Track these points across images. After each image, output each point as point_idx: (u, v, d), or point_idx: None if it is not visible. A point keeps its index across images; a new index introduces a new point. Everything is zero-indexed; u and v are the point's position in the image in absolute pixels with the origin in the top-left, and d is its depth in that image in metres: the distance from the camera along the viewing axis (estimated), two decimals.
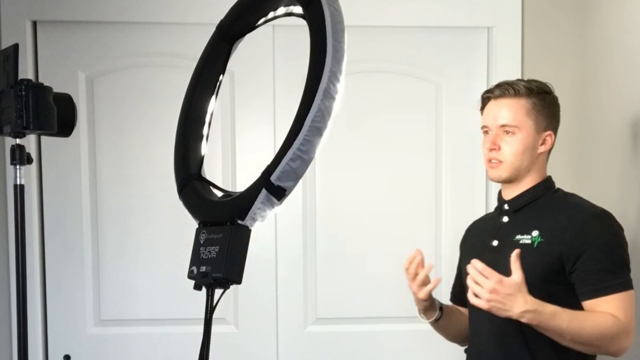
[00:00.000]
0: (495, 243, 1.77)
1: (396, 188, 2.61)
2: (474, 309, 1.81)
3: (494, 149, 1.75)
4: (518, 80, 1.79)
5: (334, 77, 1.21)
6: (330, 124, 1.22)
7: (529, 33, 2.55)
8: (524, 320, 1.55)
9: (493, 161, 1.76)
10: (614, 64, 2.29)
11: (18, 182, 1.81)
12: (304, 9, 1.30)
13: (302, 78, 1.24)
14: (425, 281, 1.79)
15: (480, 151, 2.58)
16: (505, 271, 1.65)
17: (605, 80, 2.34)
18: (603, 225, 1.66)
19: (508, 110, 1.74)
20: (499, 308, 1.54)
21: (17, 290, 1.82)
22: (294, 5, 1.36)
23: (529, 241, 1.69)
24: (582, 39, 2.53)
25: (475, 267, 1.56)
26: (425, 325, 2.59)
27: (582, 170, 2.43)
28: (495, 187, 2.55)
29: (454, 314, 1.94)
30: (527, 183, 1.77)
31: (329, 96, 1.20)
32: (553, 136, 1.77)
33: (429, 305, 1.84)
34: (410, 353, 2.63)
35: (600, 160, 2.37)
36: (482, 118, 1.82)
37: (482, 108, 1.83)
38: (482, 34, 2.59)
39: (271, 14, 1.44)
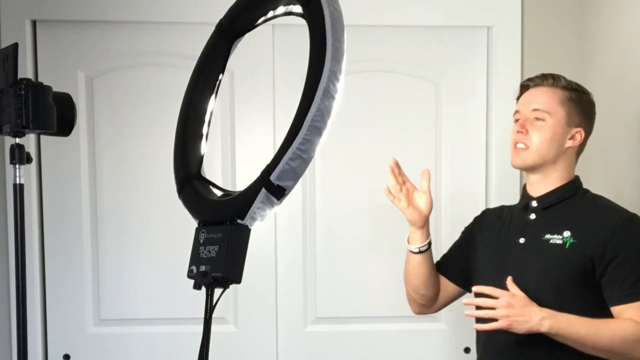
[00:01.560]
0: (522, 240, 1.74)
1: None
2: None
3: (522, 132, 1.72)
4: (560, 75, 1.78)
5: (334, 76, 1.21)
6: (329, 123, 1.22)
7: (529, 32, 2.55)
8: (543, 329, 1.55)
9: (519, 145, 1.73)
10: (614, 63, 2.29)
11: (17, 182, 1.81)
12: (303, 8, 1.30)
13: (302, 77, 1.24)
14: (411, 195, 1.88)
15: (480, 150, 2.61)
16: (532, 269, 1.67)
17: (606, 79, 2.34)
18: (635, 231, 1.64)
19: (542, 96, 1.73)
20: (519, 321, 1.55)
21: (17, 289, 1.82)
22: (294, 4, 1.36)
23: (560, 241, 1.66)
24: (582, 38, 2.53)
25: (482, 291, 1.60)
26: (425, 325, 2.61)
27: (583, 170, 2.42)
28: (495, 186, 2.56)
29: (432, 261, 1.95)
30: (554, 180, 1.75)
31: (329, 95, 1.20)
32: (583, 134, 1.75)
33: (421, 227, 1.89)
34: (410, 353, 2.63)
35: (601, 160, 2.37)
36: (516, 105, 1.81)
37: (519, 97, 1.81)
38: (482, 34, 2.59)
39: (271, 13, 1.44)
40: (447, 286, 1.97)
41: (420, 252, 1.91)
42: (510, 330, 1.57)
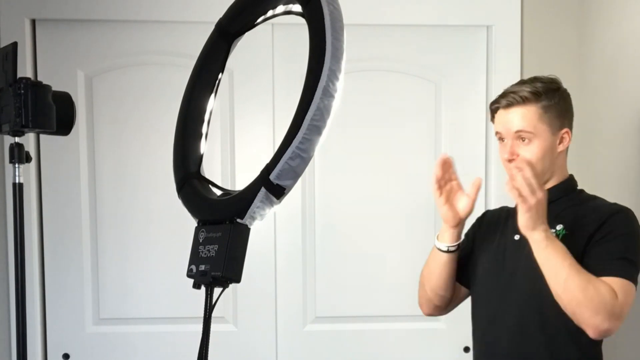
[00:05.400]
0: (517, 237, 1.74)
1: (395, 186, 2.60)
2: (485, 304, 1.81)
3: (513, 160, 1.71)
4: (521, 84, 1.73)
5: (333, 75, 1.21)
6: (329, 122, 1.22)
7: (528, 32, 2.55)
8: (537, 236, 1.57)
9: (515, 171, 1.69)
10: (613, 62, 2.29)
11: (17, 181, 1.81)
12: (303, 8, 1.30)
13: (302, 77, 1.24)
14: (453, 194, 1.81)
15: (479, 149, 2.61)
16: (528, 263, 1.65)
17: (605, 78, 2.34)
18: (624, 219, 1.66)
19: (520, 118, 1.69)
20: (534, 217, 1.56)
21: (16, 288, 1.82)
22: (293, 3, 1.36)
23: (553, 235, 1.66)
24: (582, 37, 2.53)
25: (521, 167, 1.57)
26: (424, 325, 2.61)
27: (582, 169, 2.42)
28: (494, 185, 2.56)
29: (456, 263, 1.88)
30: (550, 182, 1.75)
31: (328, 95, 1.20)
32: (570, 132, 1.74)
33: (454, 227, 1.81)
34: (410, 352, 2.63)
35: (600, 160, 2.37)
36: (494, 126, 1.78)
37: (492, 118, 1.79)
38: (482, 33, 2.59)
39: (270, 12, 1.44)
40: (459, 289, 1.94)
41: (448, 251, 1.84)
42: (520, 213, 1.57)
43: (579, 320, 1.58)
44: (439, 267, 1.87)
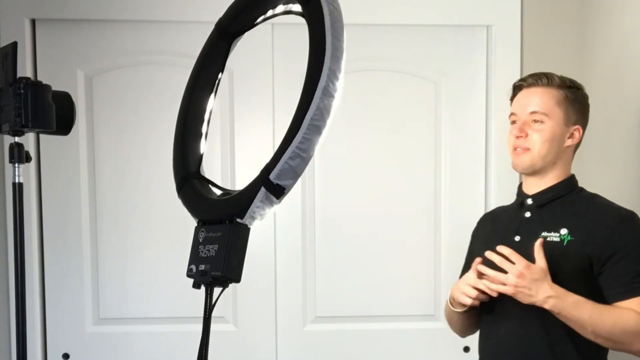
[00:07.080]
0: (517, 238, 1.73)
1: (395, 185, 2.60)
2: (487, 307, 1.80)
3: (521, 136, 1.72)
4: (552, 72, 1.77)
5: (333, 75, 1.21)
6: (329, 122, 1.21)
7: (528, 31, 2.55)
8: (547, 306, 1.56)
9: (518, 149, 1.73)
10: (613, 61, 2.29)
11: (17, 181, 1.81)
12: (303, 7, 1.30)
13: (302, 76, 1.24)
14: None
15: (479, 149, 2.61)
16: None
17: (605, 77, 2.34)
18: (633, 228, 1.65)
19: (539, 97, 1.72)
20: (525, 294, 1.56)
21: (16, 288, 1.82)
22: (293, 3, 1.36)
23: (557, 239, 1.67)
24: (582, 37, 2.53)
25: (502, 252, 1.58)
26: (424, 324, 2.61)
27: (582, 169, 2.42)
28: (494, 185, 2.56)
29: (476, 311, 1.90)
30: (551, 178, 1.74)
31: (328, 94, 1.20)
32: (581, 131, 1.75)
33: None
34: (410, 352, 2.63)
35: (600, 159, 2.37)
36: (511, 107, 1.80)
37: (513, 97, 1.80)
38: (482, 33, 2.59)
39: (270, 12, 1.44)
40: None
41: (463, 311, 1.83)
42: (514, 297, 1.58)
43: (625, 352, 1.62)
44: (460, 321, 1.87)
